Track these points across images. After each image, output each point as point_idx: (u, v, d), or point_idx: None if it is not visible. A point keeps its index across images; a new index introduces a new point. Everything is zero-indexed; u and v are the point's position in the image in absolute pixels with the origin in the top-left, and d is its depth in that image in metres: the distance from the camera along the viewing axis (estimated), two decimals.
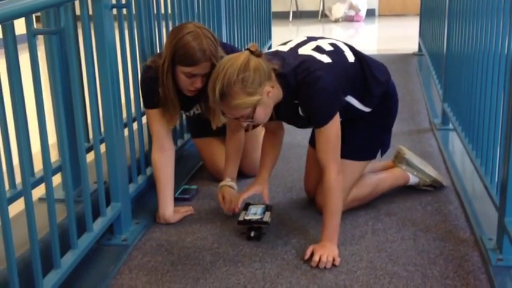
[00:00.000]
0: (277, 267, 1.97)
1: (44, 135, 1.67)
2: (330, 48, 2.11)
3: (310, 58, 2.03)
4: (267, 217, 2.15)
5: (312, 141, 2.43)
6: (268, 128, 2.35)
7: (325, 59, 2.04)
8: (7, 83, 1.55)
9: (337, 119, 2.02)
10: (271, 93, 1.96)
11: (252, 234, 2.14)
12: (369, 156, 2.32)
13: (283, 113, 2.14)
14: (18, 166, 1.57)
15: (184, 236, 2.22)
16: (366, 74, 2.16)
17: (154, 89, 2.28)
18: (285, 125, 2.34)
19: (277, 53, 2.08)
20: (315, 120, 2.03)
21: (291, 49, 2.10)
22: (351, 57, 2.15)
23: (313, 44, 2.11)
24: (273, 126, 2.31)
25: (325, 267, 1.93)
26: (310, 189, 2.44)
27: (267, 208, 2.21)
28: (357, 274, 1.91)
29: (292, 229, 2.22)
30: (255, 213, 2.18)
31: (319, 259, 1.94)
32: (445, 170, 2.77)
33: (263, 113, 1.99)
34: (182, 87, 2.27)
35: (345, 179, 2.14)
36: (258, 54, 1.94)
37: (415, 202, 2.43)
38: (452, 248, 2.05)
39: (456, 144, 3.01)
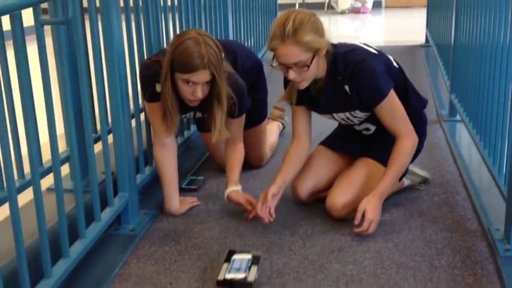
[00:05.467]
0: (284, 257, 1.98)
1: (52, 126, 1.68)
2: (377, 49, 2.22)
3: (359, 47, 2.15)
4: (252, 274, 1.79)
5: (326, 142, 2.42)
6: (296, 131, 2.27)
7: (373, 50, 2.16)
8: (15, 74, 1.56)
9: (393, 94, 2.08)
10: (324, 51, 2.04)
11: None
12: None
13: (329, 94, 2.13)
14: (27, 156, 1.59)
15: (191, 226, 2.22)
16: (408, 84, 2.26)
17: (154, 83, 2.21)
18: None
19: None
20: (370, 100, 2.08)
21: (340, 42, 2.19)
22: (395, 63, 2.24)
23: (361, 42, 2.24)
24: (301, 128, 2.26)
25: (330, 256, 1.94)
26: (301, 193, 2.29)
27: (254, 260, 1.86)
28: (364, 264, 1.91)
29: (299, 219, 2.22)
30: (238, 268, 1.83)
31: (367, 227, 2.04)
32: (452, 161, 2.77)
33: (316, 67, 2.03)
34: (183, 97, 2.15)
35: (369, 181, 2.18)
36: None
37: (422, 193, 2.43)
38: (459, 238, 2.05)
39: (463, 135, 3.00)
